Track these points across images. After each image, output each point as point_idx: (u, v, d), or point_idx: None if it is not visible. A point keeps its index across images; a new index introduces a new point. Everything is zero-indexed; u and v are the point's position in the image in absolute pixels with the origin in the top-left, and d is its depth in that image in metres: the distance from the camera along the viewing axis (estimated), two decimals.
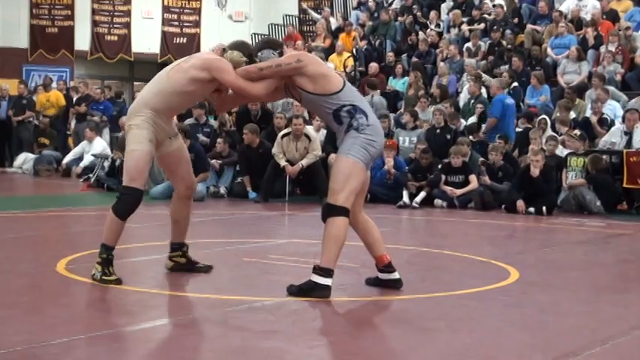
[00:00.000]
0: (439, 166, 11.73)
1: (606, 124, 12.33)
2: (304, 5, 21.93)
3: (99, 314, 4.67)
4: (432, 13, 18.33)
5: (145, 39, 22.13)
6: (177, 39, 22.49)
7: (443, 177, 11.42)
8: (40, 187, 14.58)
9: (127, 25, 22.15)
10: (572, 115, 12.82)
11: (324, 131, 12.85)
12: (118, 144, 14.10)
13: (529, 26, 16.25)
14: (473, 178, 11.29)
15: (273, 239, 8.21)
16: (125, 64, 22.98)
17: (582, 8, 16.21)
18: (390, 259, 5.35)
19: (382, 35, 18.28)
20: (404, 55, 17.20)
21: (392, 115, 14.29)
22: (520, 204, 10.69)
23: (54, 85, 19.22)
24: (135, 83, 23.76)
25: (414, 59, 16.66)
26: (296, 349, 4.02)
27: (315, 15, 20.94)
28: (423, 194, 11.37)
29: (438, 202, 11.36)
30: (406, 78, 15.84)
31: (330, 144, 11.91)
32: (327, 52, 17.57)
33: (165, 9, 22.44)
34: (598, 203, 10.78)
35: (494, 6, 17.27)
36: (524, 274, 6.08)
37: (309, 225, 9.74)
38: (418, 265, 6.49)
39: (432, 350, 4.09)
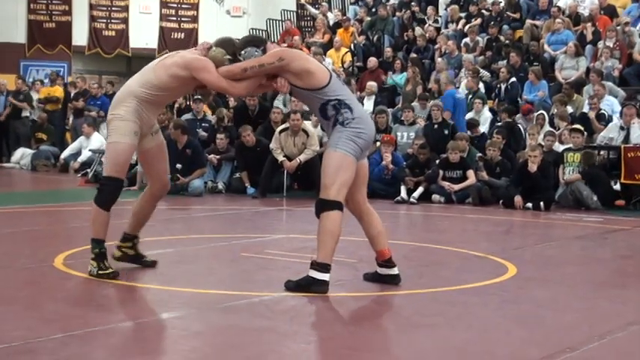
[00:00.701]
0: (437, 162, 11.73)
1: (604, 119, 12.33)
2: (302, 0, 21.90)
3: (96, 310, 4.66)
4: (430, 9, 18.31)
5: (143, 34, 22.12)
6: (175, 34, 22.47)
7: (440, 172, 11.42)
8: (37, 183, 14.57)
9: (125, 20, 22.14)
10: (570, 110, 12.82)
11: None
12: None
13: (528, 21, 16.25)
14: (471, 173, 11.30)
15: (271, 234, 8.21)
16: (123, 60, 22.96)
17: (580, 4, 16.21)
18: (391, 254, 5.34)
19: (380, 30, 18.26)
20: (400, 53, 17.17)
21: (390, 111, 14.29)
22: (518, 199, 10.70)
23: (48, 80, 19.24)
24: None
25: (412, 55, 16.64)
26: (294, 345, 4.02)
27: (312, 10, 20.92)
28: (420, 190, 11.37)
29: (435, 197, 11.36)
30: (405, 73, 15.83)
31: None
32: (326, 48, 17.55)
33: (163, 4, 22.42)
34: (595, 198, 10.79)
35: (493, 3, 17.25)
36: (521, 270, 6.08)
37: (307, 220, 9.71)
38: (416, 261, 6.50)
39: (430, 345, 4.09)
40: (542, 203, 10.63)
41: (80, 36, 21.78)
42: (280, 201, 11.38)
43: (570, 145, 11.31)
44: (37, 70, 21.31)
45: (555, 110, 12.77)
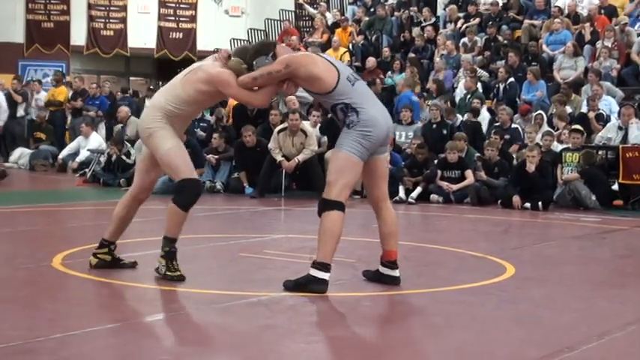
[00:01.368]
0: (435, 162, 11.73)
1: (602, 119, 12.34)
2: (300, 0, 21.90)
3: (95, 309, 4.67)
4: (425, 10, 18.26)
5: (141, 34, 22.09)
6: (174, 34, 22.45)
7: (439, 172, 11.42)
8: (36, 182, 14.57)
9: (123, 20, 22.11)
10: (569, 110, 12.83)
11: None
12: (114, 138, 14.10)
13: (526, 21, 16.25)
14: (469, 173, 11.30)
15: (270, 234, 8.21)
16: (121, 59, 22.95)
17: (578, 4, 16.21)
18: (397, 257, 5.35)
19: (379, 30, 18.26)
20: (399, 53, 17.17)
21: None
22: (516, 199, 10.70)
23: (48, 79, 19.20)
24: (131, 78, 23.73)
25: (411, 55, 16.65)
26: (293, 344, 4.02)
27: (311, 10, 20.92)
28: (419, 190, 11.38)
29: (434, 197, 11.36)
30: (403, 73, 15.82)
31: (328, 139, 11.92)
32: (324, 48, 17.55)
33: (162, 4, 22.39)
34: (593, 198, 10.79)
35: (491, 4, 17.26)
36: (520, 270, 6.08)
37: (305, 220, 9.73)
38: (414, 261, 6.50)
39: (428, 345, 4.10)
40: (540, 203, 10.63)
41: (78, 36, 21.76)
42: (278, 201, 11.38)
43: (569, 145, 11.31)
44: (36, 70, 21.28)
45: (554, 110, 12.78)
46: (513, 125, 12.65)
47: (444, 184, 11.32)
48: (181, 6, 22.56)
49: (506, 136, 12.36)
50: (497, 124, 12.86)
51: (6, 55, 20.60)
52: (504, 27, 16.46)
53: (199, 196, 5.40)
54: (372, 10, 19.47)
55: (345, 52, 17.32)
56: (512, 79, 14.19)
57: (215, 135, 12.60)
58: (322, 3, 20.68)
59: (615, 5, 15.98)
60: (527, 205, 10.65)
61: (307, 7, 21.31)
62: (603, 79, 13.44)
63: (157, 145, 5.33)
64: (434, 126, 12.73)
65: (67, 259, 5.96)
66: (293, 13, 21.90)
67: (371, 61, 16.46)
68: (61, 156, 15.81)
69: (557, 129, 12.23)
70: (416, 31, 17.58)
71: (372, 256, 5.63)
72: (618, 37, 14.49)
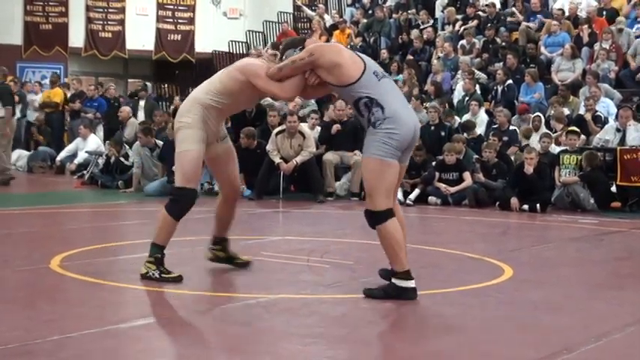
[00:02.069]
0: (433, 164, 11.73)
1: (600, 121, 12.35)
2: (298, 2, 21.92)
3: (93, 311, 4.66)
4: (423, 13, 18.26)
5: (140, 36, 22.10)
6: (172, 36, 22.46)
7: (437, 174, 11.42)
8: (33, 184, 14.56)
9: (122, 22, 22.12)
10: (566, 112, 12.84)
11: (318, 128, 12.84)
12: (113, 139, 14.10)
13: (523, 23, 16.27)
14: (467, 175, 11.30)
15: (268, 236, 8.20)
16: (119, 61, 22.95)
17: (577, 6, 16.23)
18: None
19: (377, 32, 18.27)
20: (397, 55, 17.18)
21: None
22: (514, 201, 10.70)
23: (46, 81, 19.18)
24: (129, 80, 23.74)
25: (409, 56, 16.66)
26: (290, 346, 4.02)
27: (309, 12, 20.94)
28: (417, 191, 11.37)
29: (432, 199, 11.36)
30: (401, 75, 15.84)
31: (325, 142, 11.92)
32: None
33: (160, 6, 22.41)
34: (592, 201, 10.80)
35: (487, 5, 17.27)
36: (518, 272, 6.09)
37: (303, 222, 9.75)
38: (412, 263, 6.45)
39: (426, 347, 4.09)
40: (538, 205, 10.63)
41: (77, 37, 21.76)
42: (277, 203, 11.37)
43: (566, 147, 11.31)
44: (34, 72, 21.28)
45: (552, 112, 12.78)
46: (511, 127, 12.65)
47: (442, 186, 11.32)
48: (180, 8, 22.57)
49: (505, 138, 12.36)
50: (495, 126, 12.86)
51: (4, 57, 20.56)
52: (502, 29, 16.47)
53: (190, 208, 5.43)
54: (370, 12, 19.48)
55: None
56: (510, 81, 14.19)
57: None
58: (320, 5, 20.71)
59: (616, 8, 15.99)
60: (525, 207, 10.65)
61: (305, 9, 21.32)
62: (601, 81, 13.45)
63: (180, 141, 5.43)
64: (432, 128, 12.74)
65: (65, 261, 5.96)
66: (291, 15, 21.92)
67: None
68: (59, 158, 15.80)
69: (555, 131, 12.24)
70: (414, 33, 17.58)
71: (371, 258, 5.62)
72: (616, 39, 14.51)
